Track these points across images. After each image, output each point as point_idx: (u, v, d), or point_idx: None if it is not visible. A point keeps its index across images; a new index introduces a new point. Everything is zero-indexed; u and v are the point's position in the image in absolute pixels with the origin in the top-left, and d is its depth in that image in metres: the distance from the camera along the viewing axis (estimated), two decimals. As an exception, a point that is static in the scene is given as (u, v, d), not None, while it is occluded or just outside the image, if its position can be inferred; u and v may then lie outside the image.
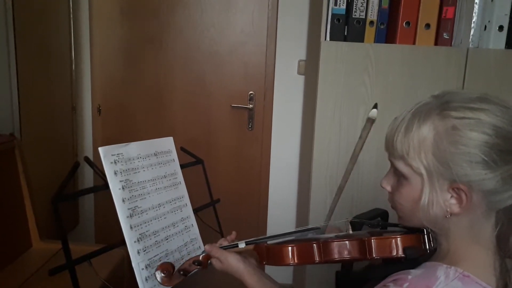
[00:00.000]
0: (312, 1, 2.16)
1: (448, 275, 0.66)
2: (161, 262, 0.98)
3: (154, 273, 0.90)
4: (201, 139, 2.39)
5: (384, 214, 1.05)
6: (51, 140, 2.11)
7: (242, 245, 0.91)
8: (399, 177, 0.73)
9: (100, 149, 1.02)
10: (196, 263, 0.92)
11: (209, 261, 0.92)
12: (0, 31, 1.73)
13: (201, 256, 0.92)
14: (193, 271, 0.94)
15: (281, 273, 2.40)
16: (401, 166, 0.71)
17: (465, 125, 0.64)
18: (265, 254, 0.86)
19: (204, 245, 1.17)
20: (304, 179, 2.03)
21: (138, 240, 1.03)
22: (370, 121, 0.79)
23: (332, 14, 1.60)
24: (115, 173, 1.03)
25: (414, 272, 0.68)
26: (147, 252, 1.04)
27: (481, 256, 0.69)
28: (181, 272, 0.92)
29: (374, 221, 0.96)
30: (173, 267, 0.92)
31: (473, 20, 1.58)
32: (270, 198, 2.44)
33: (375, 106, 0.80)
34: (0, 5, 1.72)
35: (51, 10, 2.09)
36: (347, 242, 0.81)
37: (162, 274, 0.89)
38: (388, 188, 0.77)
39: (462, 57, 1.58)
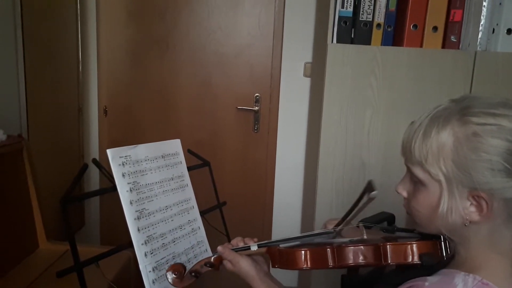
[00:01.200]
0: (319, 3, 2.16)
1: (466, 283, 0.65)
2: (173, 262, 0.98)
3: (165, 274, 0.90)
4: (207, 141, 2.39)
5: (390, 218, 1.04)
6: (57, 141, 2.13)
7: (254, 247, 0.90)
8: (416, 183, 0.72)
9: (108, 151, 1.02)
10: (208, 265, 0.92)
11: (221, 263, 0.92)
12: (8, 33, 1.74)
13: (213, 258, 0.92)
14: (204, 273, 0.94)
15: (286, 276, 2.39)
16: (418, 172, 0.69)
17: (486, 132, 0.63)
18: (278, 257, 0.85)
19: (210, 248, 1.17)
20: (310, 182, 2.03)
21: (145, 243, 1.03)
22: (371, 200, 0.79)
23: (339, 17, 1.60)
24: (123, 175, 1.04)
25: (431, 279, 0.67)
26: (154, 255, 1.04)
27: (500, 265, 0.68)
28: (193, 274, 0.91)
29: (390, 226, 0.95)
30: (184, 268, 0.91)
31: (481, 23, 1.57)
32: (275, 200, 2.44)
33: (371, 185, 0.77)
34: (9, 8, 1.73)
35: (58, 12, 2.11)
36: (362, 247, 0.79)
37: (174, 275, 0.89)
38: (404, 193, 0.76)
39: (470, 60, 1.57)
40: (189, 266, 0.93)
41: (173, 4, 2.29)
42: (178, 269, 0.90)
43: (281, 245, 0.87)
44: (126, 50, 2.37)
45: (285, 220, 2.43)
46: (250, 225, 2.44)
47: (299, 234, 0.93)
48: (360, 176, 1.67)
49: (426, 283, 0.66)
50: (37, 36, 1.88)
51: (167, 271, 0.90)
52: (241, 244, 0.92)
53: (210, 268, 0.92)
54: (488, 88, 1.58)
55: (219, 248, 0.91)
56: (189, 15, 2.29)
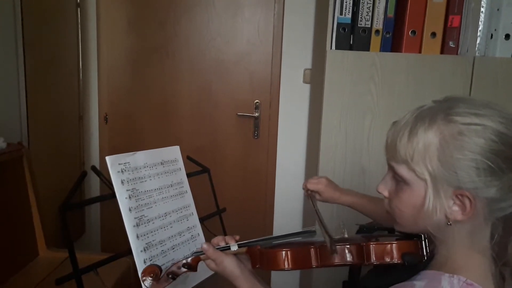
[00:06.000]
0: (318, 10, 2.17)
1: (452, 285, 0.66)
2: (146, 265, 0.94)
3: (140, 277, 0.87)
4: (207, 148, 2.40)
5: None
6: (58, 148, 2.13)
7: (234, 247, 0.88)
8: (399, 182, 0.72)
9: (107, 158, 1.02)
10: (186, 267, 0.89)
11: (199, 263, 0.90)
12: (9, 41, 1.76)
13: (190, 259, 0.90)
14: (182, 274, 0.91)
15: (287, 281, 2.39)
16: (403, 170, 0.69)
17: (471, 131, 0.64)
18: (259, 258, 0.84)
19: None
20: (310, 188, 2.02)
21: (144, 250, 1.03)
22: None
23: (338, 23, 1.61)
24: (122, 182, 1.03)
25: (419, 284, 0.68)
26: (153, 262, 1.03)
27: (481, 264, 0.69)
28: (170, 276, 0.89)
29: (370, 225, 0.95)
30: (160, 269, 0.88)
31: (479, 28, 1.58)
32: (276, 206, 2.43)
33: None
34: (10, 16, 1.74)
35: (59, 20, 2.12)
36: (346, 247, 0.79)
37: (150, 278, 0.86)
38: (385, 193, 0.76)
39: (469, 65, 1.58)
40: (165, 267, 0.90)
41: (173, 12, 2.31)
42: (153, 271, 0.87)
43: (261, 245, 0.86)
44: (126, 58, 2.38)
45: (286, 226, 2.42)
46: (250, 231, 2.43)
47: (279, 234, 0.92)
48: (360, 181, 1.67)
49: None
50: (37, 44, 1.89)
51: (142, 273, 0.86)
52: (222, 244, 0.91)
53: (187, 270, 0.89)
54: (487, 93, 1.58)
55: (204, 245, 0.89)
56: (189, 23, 2.31)
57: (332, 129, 1.65)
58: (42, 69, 1.95)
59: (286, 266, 0.79)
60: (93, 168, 1.19)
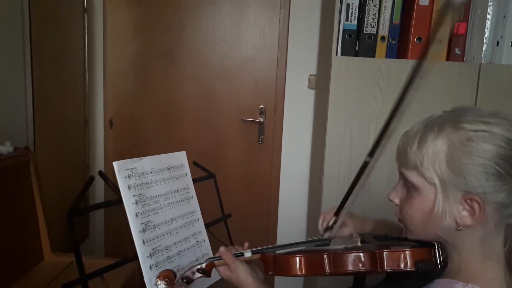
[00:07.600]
0: (323, 16, 2.18)
1: None
2: (162, 269, 0.96)
3: (156, 281, 0.88)
4: (212, 153, 2.40)
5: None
6: (63, 153, 2.14)
7: (248, 254, 0.89)
8: (409, 189, 0.73)
9: (114, 163, 1.03)
10: (200, 271, 0.90)
11: (213, 268, 0.91)
12: (17, 45, 1.77)
13: (205, 264, 0.91)
14: (196, 279, 0.92)
15: (291, 286, 2.38)
16: (413, 176, 0.71)
17: (479, 137, 0.65)
18: (272, 264, 0.85)
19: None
20: (315, 193, 2.02)
21: (150, 255, 1.03)
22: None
23: (344, 30, 1.61)
24: (129, 188, 1.04)
25: None
26: (159, 268, 1.03)
27: (494, 272, 0.69)
28: (184, 280, 0.90)
29: (383, 234, 0.95)
30: (175, 274, 0.90)
31: (485, 35, 1.58)
32: (280, 211, 2.43)
33: None
34: (18, 20, 1.76)
35: (66, 26, 2.13)
36: (359, 254, 0.79)
37: (164, 282, 0.87)
38: (397, 200, 0.77)
39: (475, 72, 1.57)
40: (180, 273, 0.91)
41: (178, 17, 2.32)
42: (168, 275, 0.88)
43: (274, 252, 0.87)
44: (132, 62, 2.39)
45: (290, 231, 2.42)
46: (255, 236, 2.43)
47: (282, 239, 0.92)
48: (364, 187, 1.66)
49: None
50: (44, 49, 1.91)
51: (157, 277, 0.88)
52: (234, 251, 0.92)
53: (202, 275, 0.90)
54: (493, 100, 1.57)
55: (222, 249, 0.91)
56: (194, 28, 2.32)
57: (337, 135, 1.65)
58: (48, 73, 1.96)
59: (300, 272, 0.80)
60: (100, 173, 1.19)
